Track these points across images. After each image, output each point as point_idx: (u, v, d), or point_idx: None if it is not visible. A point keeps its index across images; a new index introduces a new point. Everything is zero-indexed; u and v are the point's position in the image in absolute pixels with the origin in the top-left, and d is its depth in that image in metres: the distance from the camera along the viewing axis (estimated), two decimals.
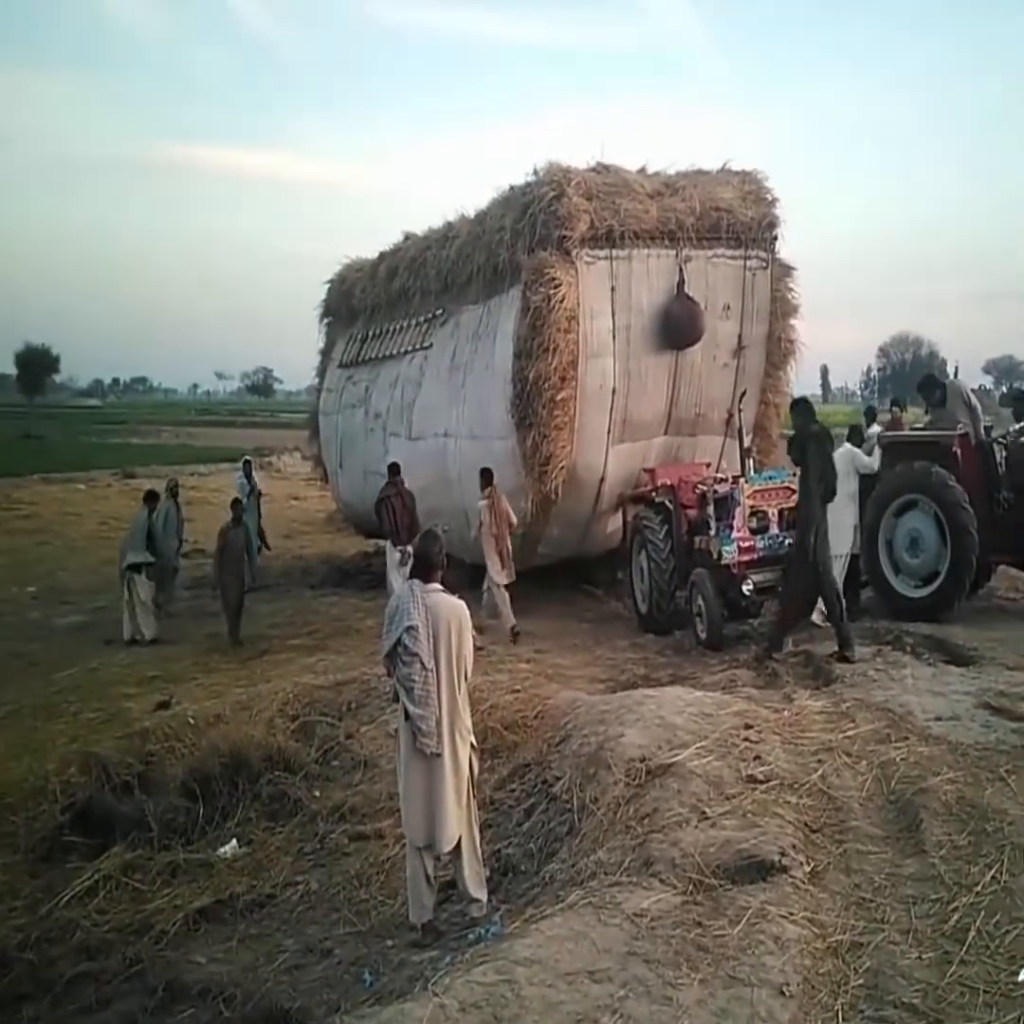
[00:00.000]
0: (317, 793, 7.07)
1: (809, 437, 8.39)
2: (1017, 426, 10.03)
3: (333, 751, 7.59)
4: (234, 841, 6.65)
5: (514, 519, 11.12)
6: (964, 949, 4.00)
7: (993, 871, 4.50)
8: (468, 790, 5.23)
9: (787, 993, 3.81)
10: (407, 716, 5.12)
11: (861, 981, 3.90)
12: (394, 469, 12.37)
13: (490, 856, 5.63)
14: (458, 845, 5.14)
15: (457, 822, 5.12)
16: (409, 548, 11.30)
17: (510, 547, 11.07)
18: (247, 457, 18.60)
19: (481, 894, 5.21)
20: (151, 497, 13.24)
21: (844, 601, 8.45)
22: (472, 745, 5.33)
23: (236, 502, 13.26)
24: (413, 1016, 3.69)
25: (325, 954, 5.29)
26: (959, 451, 9.16)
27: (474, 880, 5.20)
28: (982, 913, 4.22)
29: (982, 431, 9.65)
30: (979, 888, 4.39)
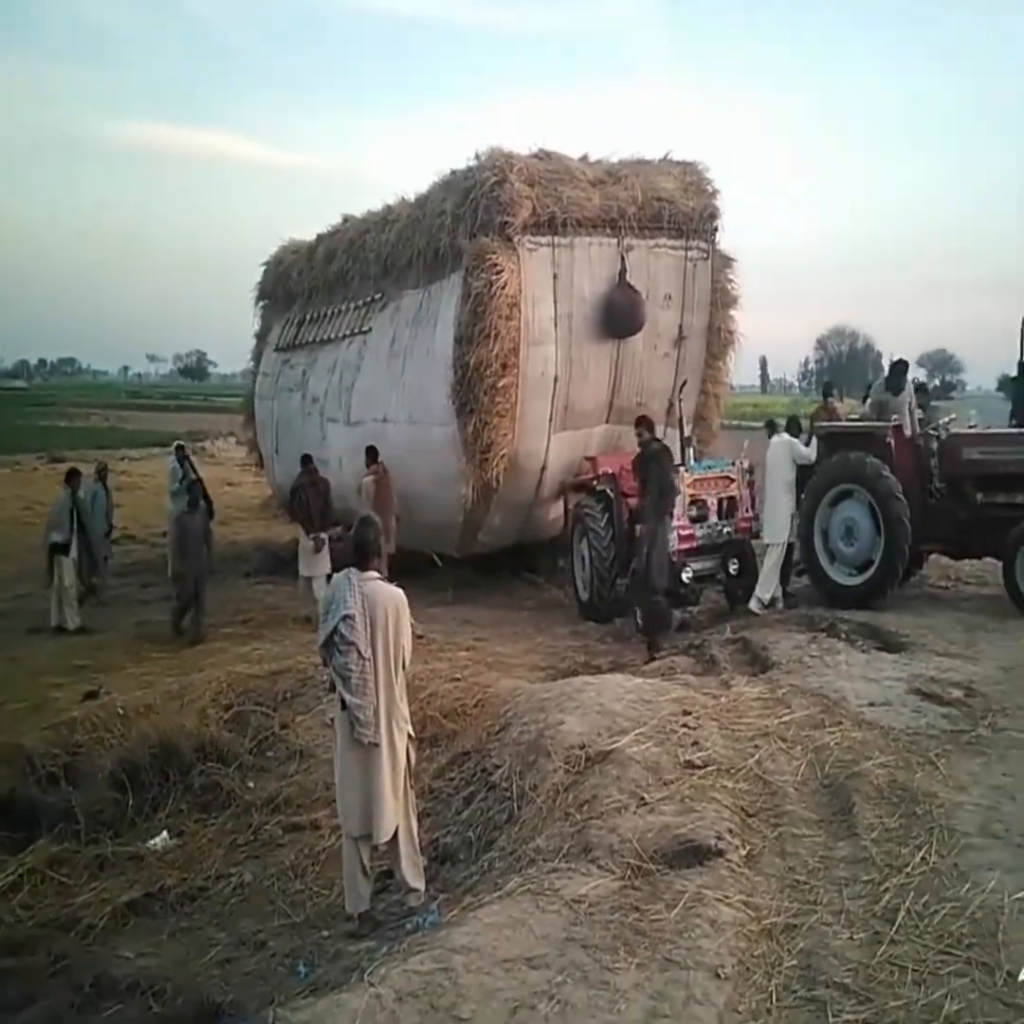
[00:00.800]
0: (251, 784, 6.95)
1: (651, 456, 8.95)
2: (947, 418, 10.25)
3: (268, 741, 7.48)
4: (165, 833, 6.51)
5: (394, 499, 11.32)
6: (894, 929, 4.06)
7: (922, 852, 4.58)
8: (405, 780, 5.18)
9: (722, 975, 3.84)
10: (344, 706, 5.05)
11: (794, 962, 3.94)
12: (306, 459, 12.38)
13: (428, 845, 5.59)
14: (395, 835, 5.09)
15: (394, 812, 5.07)
16: (323, 535, 11.41)
17: (394, 526, 11.08)
18: (180, 442, 18.15)
19: (419, 883, 5.17)
20: (72, 475, 12.71)
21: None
22: (410, 735, 5.27)
23: (192, 485, 12.68)
24: (348, 1007, 3.63)
25: (259, 946, 5.20)
26: (893, 442, 9.34)
27: (411, 869, 5.15)
28: (912, 893, 4.28)
29: (917, 424, 9.86)
30: (909, 869, 4.47)
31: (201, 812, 6.73)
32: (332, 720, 5.39)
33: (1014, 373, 10.93)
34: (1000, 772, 5.38)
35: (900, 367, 10.21)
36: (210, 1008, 4.59)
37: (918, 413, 10.07)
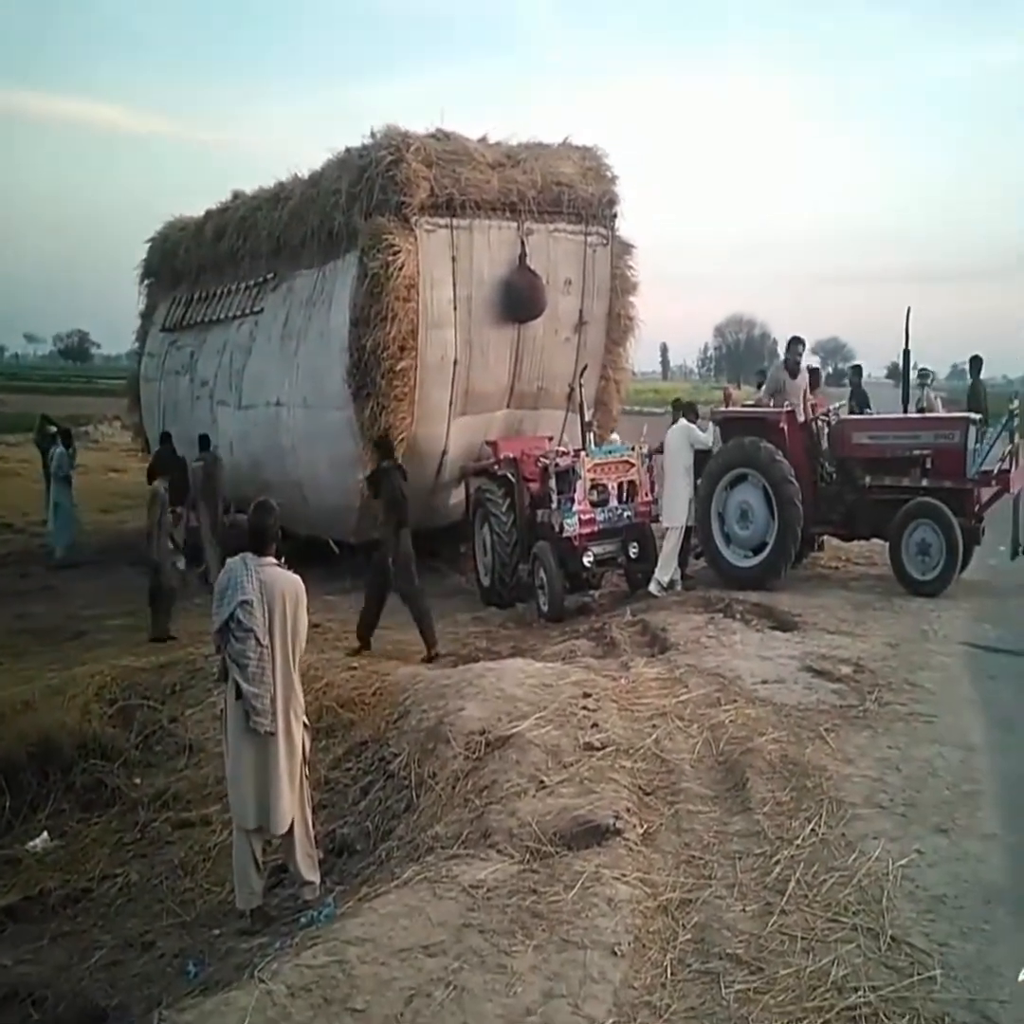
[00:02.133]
0: (137, 780, 6.72)
1: (382, 473, 9.29)
2: (837, 404, 10.56)
3: (155, 736, 7.22)
4: (45, 834, 6.23)
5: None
6: (785, 899, 4.14)
7: (812, 824, 4.70)
8: (301, 770, 5.08)
9: (619, 953, 3.85)
10: (238, 694, 4.92)
11: (689, 936, 3.98)
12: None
13: (324, 837, 5.49)
14: (290, 827, 4.97)
15: (290, 803, 4.96)
16: (179, 510, 11.31)
17: (221, 517, 11.16)
18: (56, 427, 17.24)
19: (314, 876, 5.06)
20: None
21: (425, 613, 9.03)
22: (305, 724, 5.17)
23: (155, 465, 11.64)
24: (238, 1005, 3.52)
25: (146, 948, 5.03)
26: (785, 427, 9.56)
27: (306, 862, 5.04)
28: (801, 865, 4.38)
29: (810, 408, 10.11)
30: (799, 841, 4.57)
31: (84, 811, 6.47)
32: (223, 711, 5.21)
33: (895, 361, 11.36)
34: (885, 744, 5.58)
35: (794, 344, 10.43)
36: (94, 1013, 4.44)
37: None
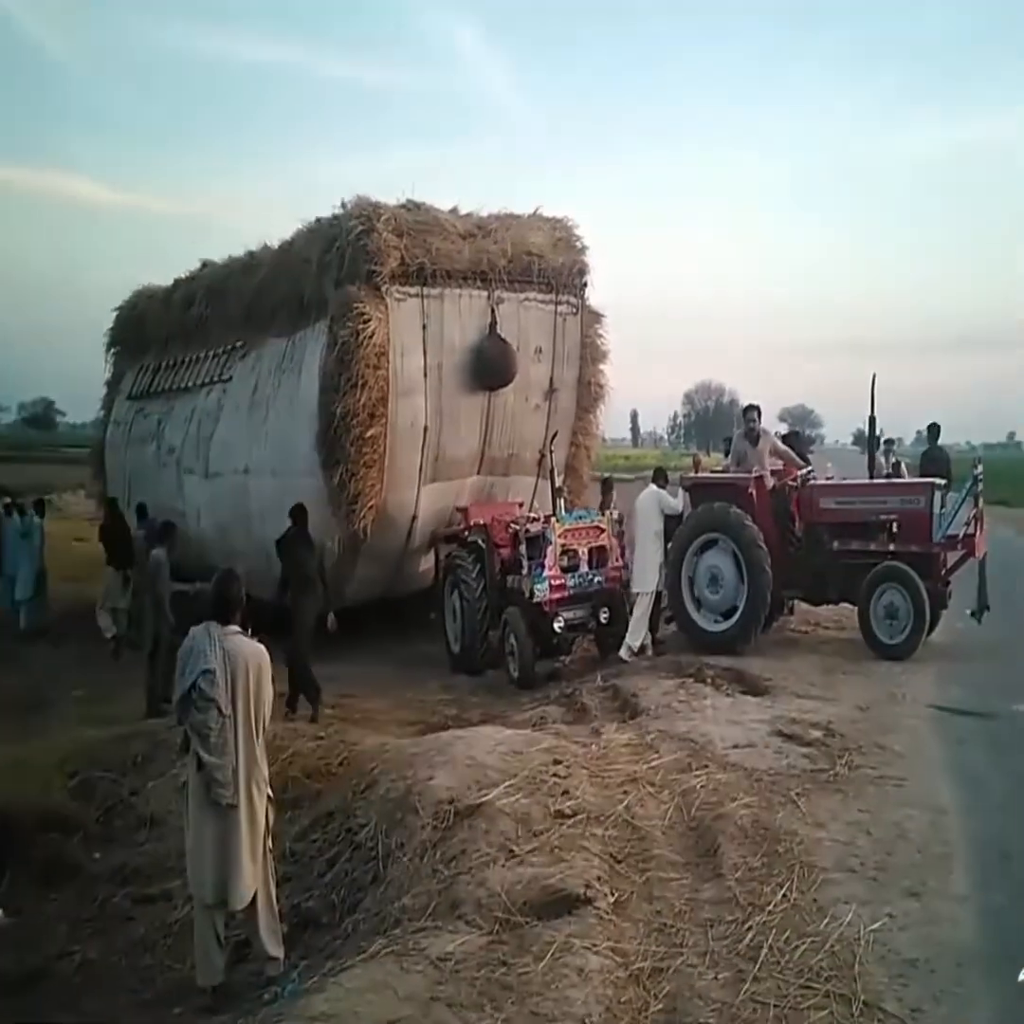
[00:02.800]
0: (97, 855, 6.53)
1: (287, 540, 9.61)
2: (805, 470, 10.74)
3: (116, 809, 7.03)
4: (0, 910, 5.99)
5: None
6: (757, 967, 4.09)
7: (784, 890, 4.66)
8: (264, 843, 4.98)
9: None
10: (200, 766, 4.84)
11: (660, 1006, 3.92)
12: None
13: (289, 910, 5.34)
14: (253, 901, 4.86)
15: (252, 877, 4.85)
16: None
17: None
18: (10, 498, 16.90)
19: (278, 951, 4.92)
20: None
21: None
22: (269, 796, 5.08)
23: (167, 525, 10.99)
24: None
25: None
26: (754, 492, 9.70)
27: (270, 937, 4.91)
28: (773, 931, 4.33)
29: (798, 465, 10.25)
30: (771, 907, 4.53)
31: (42, 887, 6.25)
32: (185, 783, 5.11)
33: (862, 428, 11.58)
34: (856, 808, 5.57)
35: (748, 412, 10.63)
36: None
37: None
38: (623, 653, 10.06)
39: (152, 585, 9.83)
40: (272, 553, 11.40)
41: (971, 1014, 3.73)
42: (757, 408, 10.66)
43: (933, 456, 12.93)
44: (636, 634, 10.14)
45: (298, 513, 9.71)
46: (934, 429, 13.51)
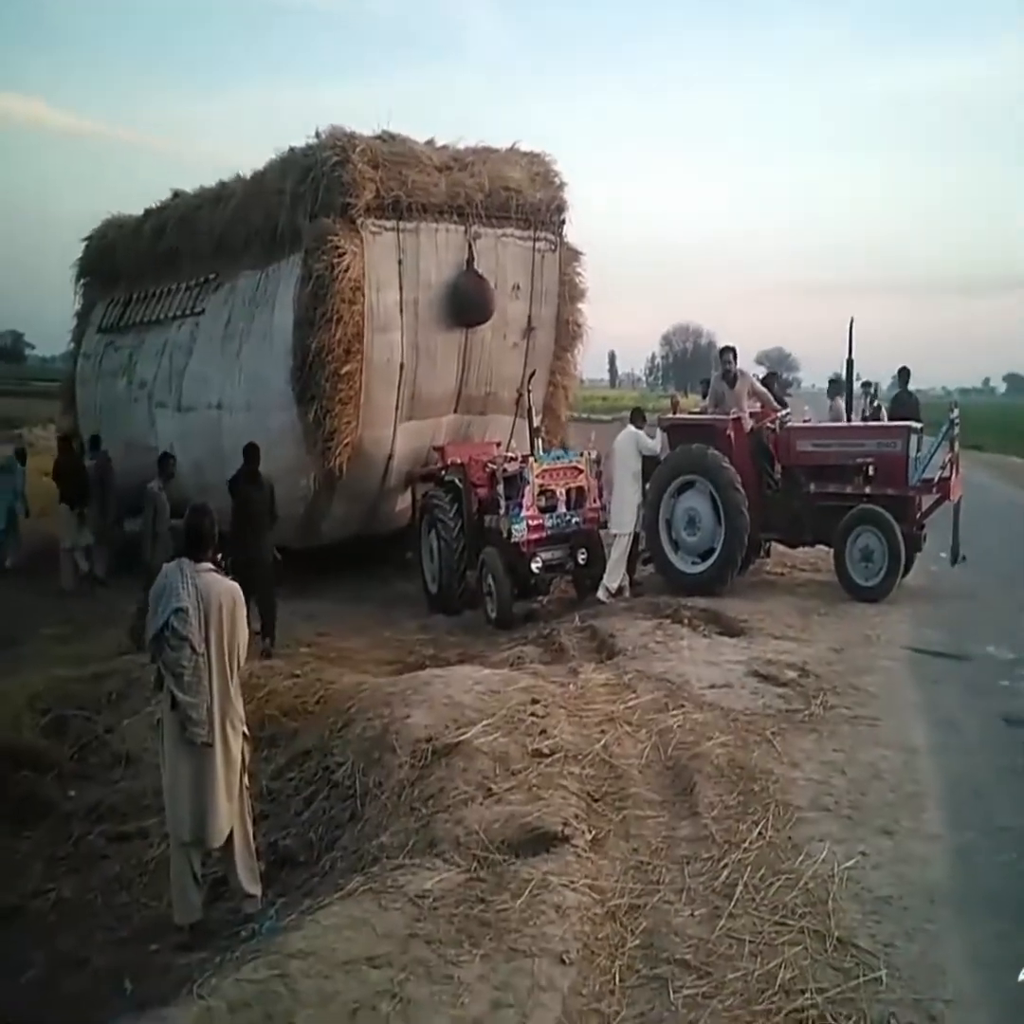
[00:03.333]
0: (72, 793, 6.50)
1: (241, 477, 9.52)
2: (783, 413, 10.68)
3: (91, 747, 7.00)
4: None
5: None
6: (732, 903, 4.13)
7: (759, 828, 4.70)
8: (240, 781, 4.97)
9: (567, 960, 3.81)
10: (174, 704, 4.80)
11: (638, 942, 3.95)
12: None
13: (266, 848, 5.35)
14: (229, 839, 4.85)
15: (228, 815, 4.84)
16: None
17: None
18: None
19: (255, 889, 4.94)
20: None
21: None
22: (245, 734, 5.06)
23: (164, 457, 10.52)
24: (176, 1022, 3.39)
25: (80, 965, 4.84)
26: (732, 434, 9.64)
27: (247, 875, 4.92)
28: (749, 868, 4.38)
29: (774, 406, 10.18)
30: (746, 845, 4.57)
31: (16, 825, 6.20)
32: (159, 721, 5.06)
33: (837, 372, 11.55)
34: (831, 748, 5.62)
35: (725, 353, 10.53)
36: None
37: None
38: (601, 594, 10.07)
39: (150, 521, 9.50)
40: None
41: (942, 950, 3.78)
42: (733, 350, 10.58)
43: (903, 400, 12.95)
44: (614, 575, 10.15)
45: (249, 451, 9.57)
46: (904, 373, 13.50)
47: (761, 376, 12.80)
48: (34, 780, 6.50)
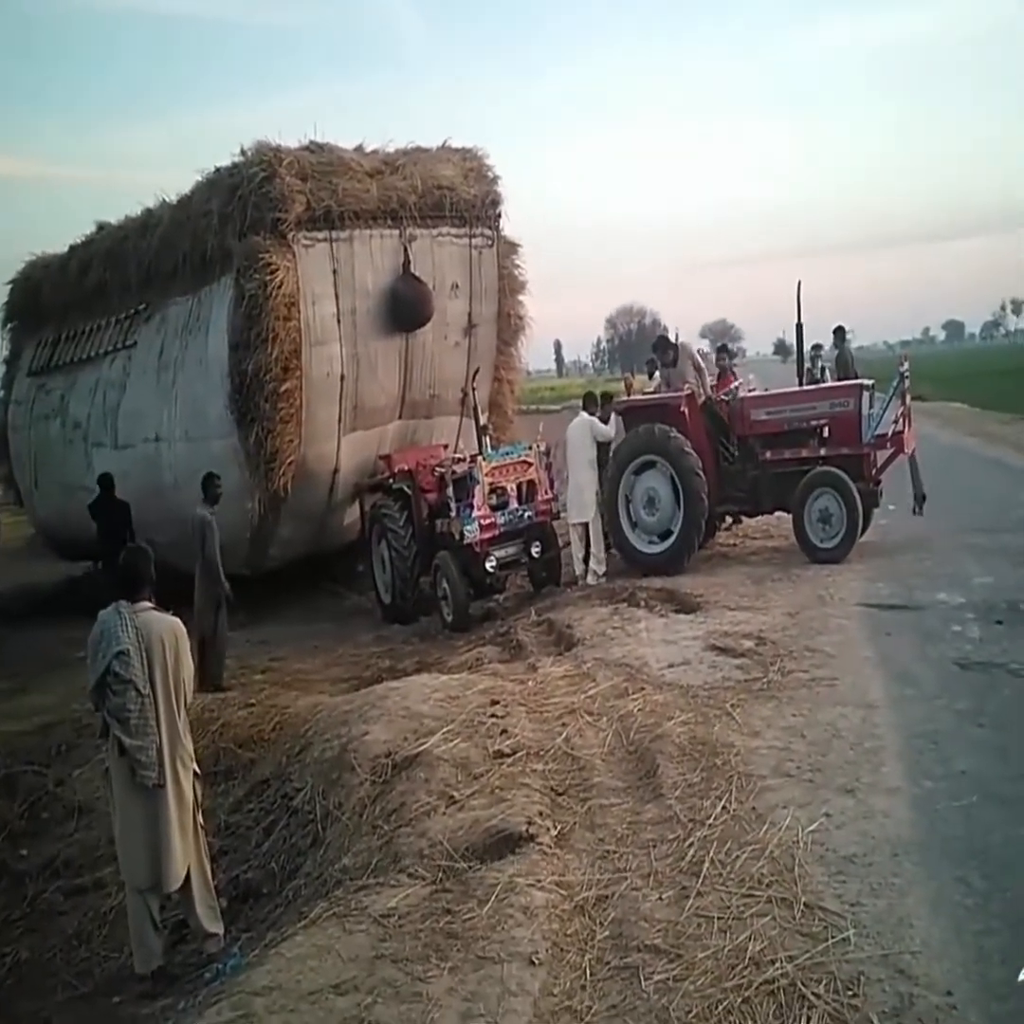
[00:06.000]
0: (23, 851, 6.38)
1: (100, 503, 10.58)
2: (738, 382, 10.69)
3: (41, 802, 6.86)
4: None
5: None
6: (700, 881, 4.09)
7: (723, 802, 4.66)
8: (194, 820, 4.89)
9: (537, 961, 3.75)
10: (122, 750, 4.72)
11: (607, 933, 3.90)
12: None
13: (227, 884, 5.26)
14: (187, 880, 4.75)
15: (184, 855, 4.76)
16: None
17: None
18: None
19: (216, 927, 4.85)
20: None
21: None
22: (195, 771, 4.97)
23: (208, 477, 9.51)
24: None
25: None
26: (686, 410, 9.62)
27: (207, 914, 4.83)
28: (714, 844, 4.33)
29: (708, 388, 10.22)
30: (711, 821, 4.53)
31: None
32: (108, 769, 4.94)
33: (790, 338, 11.59)
34: (790, 713, 5.59)
35: (662, 342, 10.73)
36: None
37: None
38: (590, 579, 9.95)
39: (201, 548, 8.82)
40: (191, 519, 11.14)
41: (908, 901, 3.76)
42: (664, 337, 10.74)
43: (841, 359, 13.05)
44: (599, 558, 10.00)
45: (103, 479, 10.81)
46: (839, 332, 13.60)
47: (718, 348, 12.87)
48: None
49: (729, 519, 10.94)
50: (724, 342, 20.10)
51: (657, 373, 12.64)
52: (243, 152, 11.33)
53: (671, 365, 10.31)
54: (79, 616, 11.70)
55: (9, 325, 16.90)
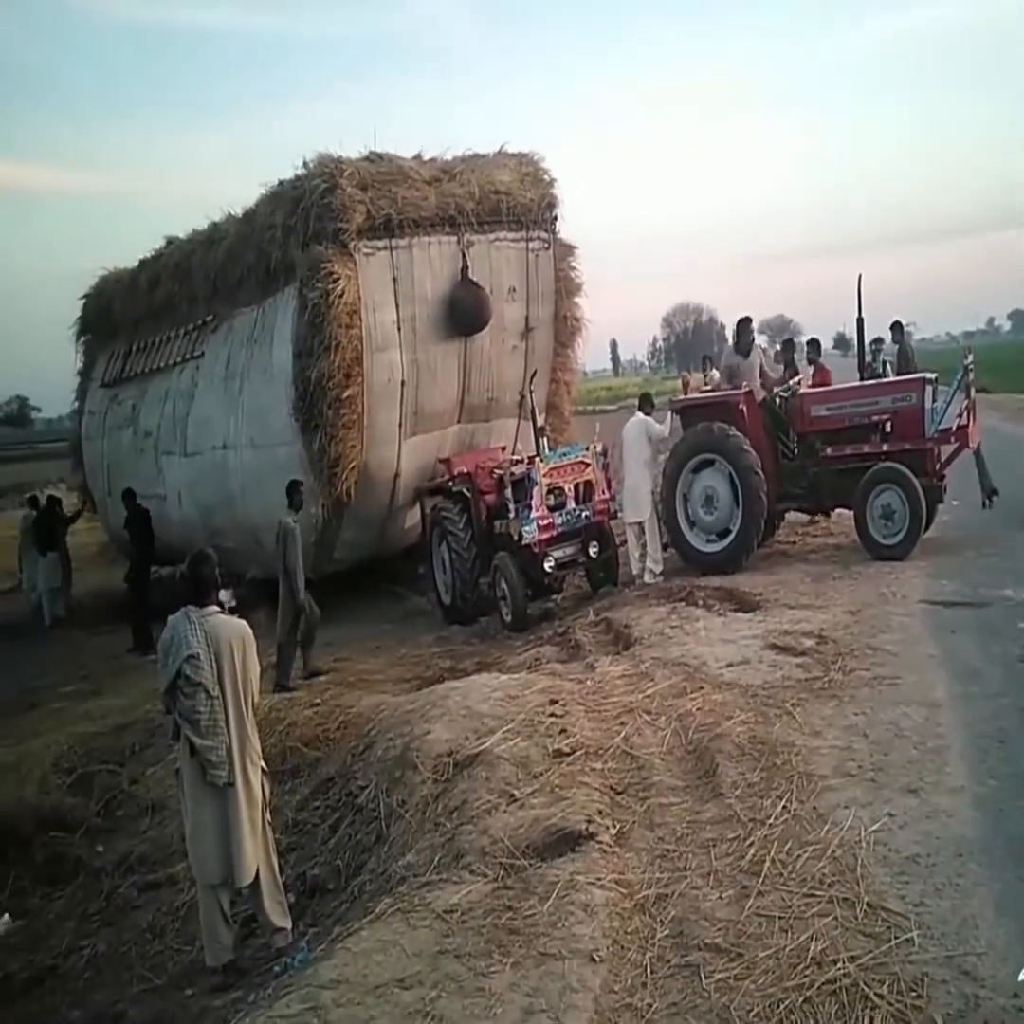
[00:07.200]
0: (100, 848, 6.59)
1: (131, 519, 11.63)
2: (797, 378, 10.56)
3: (117, 800, 7.09)
4: (6, 915, 6.06)
5: None
6: (760, 881, 4.07)
7: (783, 802, 4.63)
8: (263, 817, 5.01)
9: (597, 959, 3.77)
10: (192, 751, 4.86)
11: (667, 931, 3.91)
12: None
13: (295, 880, 5.38)
14: (256, 876, 4.88)
15: (254, 852, 4.88)
16: None
17: None
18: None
19: (285, 922, 4.96)
20: None
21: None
22: (264, 769, 5.10)
23: (292, 485, 9.58)
24: None
25: (117, 1018, 4.89)
26: (745, 408, 9.54)
27: (276, 909, 4.94)
28: (775, 843, 4.31)
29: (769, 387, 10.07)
30: (772, 820, 4.50)
31: (47, 886, 6.31)
32: (179, 769, 5.10)
33: (849, 332, 11.40)
34: (851, 712, 5.53)
35: (745, 324, 10.46)
36: None
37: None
38: (648, 578, 9.95)
39: (283, 554, 8.90)
40: (257, 525, 11.42)
41: (973, 903, 3.71)
42: (750, 320, 10.54)
43: (902, 353, 12.80)
44: (656, 557, 10.02)
45: (127, 495, 11.71)
46: (897, 326, 13.35)
47: (781, 343, 12.67)
48: (63, 839, 6.57)
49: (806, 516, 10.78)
50: (790, 337, 19.79)
51: (713, 371, 12.53)
52: (305, 164, 11.56)
53: (744, 355, 10.19)
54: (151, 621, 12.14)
55: (83, 338, 17.44)
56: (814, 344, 13.90)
